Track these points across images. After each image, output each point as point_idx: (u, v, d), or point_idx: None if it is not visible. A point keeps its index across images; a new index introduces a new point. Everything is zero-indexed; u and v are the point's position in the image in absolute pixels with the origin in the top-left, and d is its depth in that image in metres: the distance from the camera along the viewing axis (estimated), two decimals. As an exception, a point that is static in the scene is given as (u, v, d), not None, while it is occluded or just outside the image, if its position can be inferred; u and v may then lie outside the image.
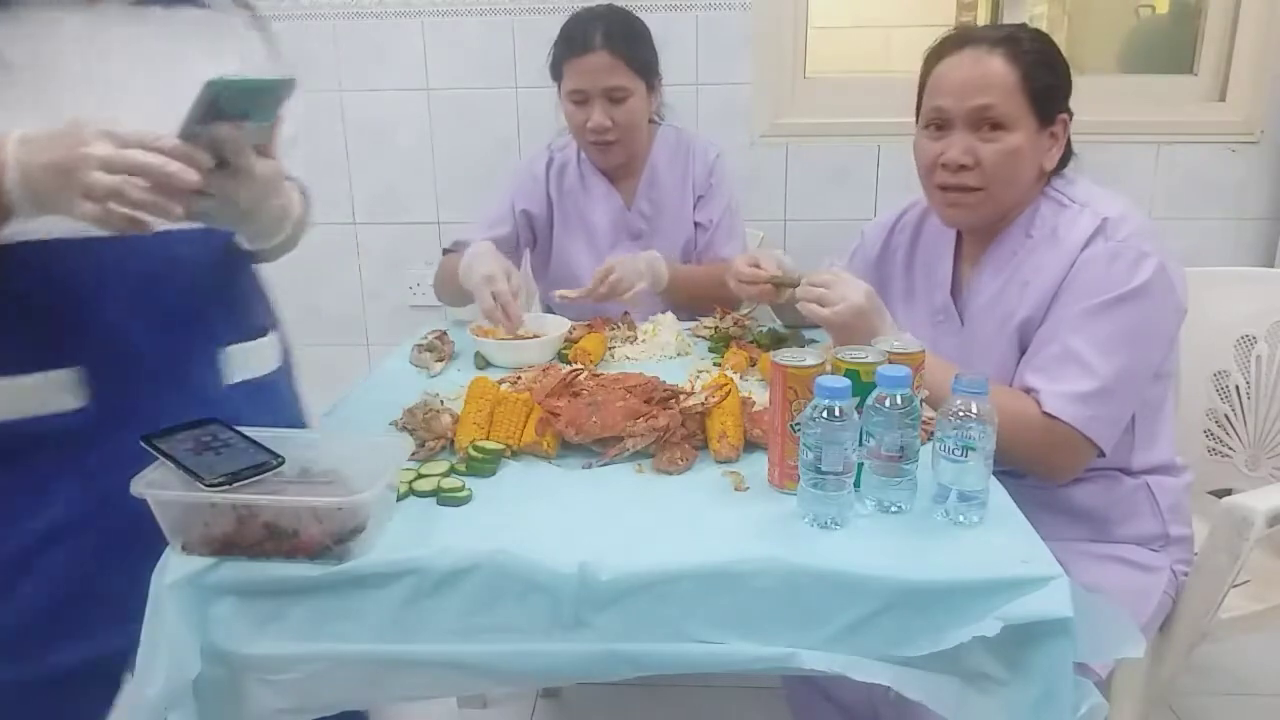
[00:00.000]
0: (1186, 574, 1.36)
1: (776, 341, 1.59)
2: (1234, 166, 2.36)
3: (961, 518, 0.97)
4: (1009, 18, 2.35)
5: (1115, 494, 1.35)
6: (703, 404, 1.16)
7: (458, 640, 0.90)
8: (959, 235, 1.45)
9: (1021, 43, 1.29)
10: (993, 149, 1.28)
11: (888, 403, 0.95)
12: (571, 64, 1.74)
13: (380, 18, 2.39)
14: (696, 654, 0.88)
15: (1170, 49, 2.46)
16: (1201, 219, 2.39)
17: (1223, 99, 2.35)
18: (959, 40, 1.32)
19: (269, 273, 1.20)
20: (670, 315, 1.68)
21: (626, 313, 1.72)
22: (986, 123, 1.28)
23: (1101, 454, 1.25)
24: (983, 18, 2.55)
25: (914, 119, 1.40)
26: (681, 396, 1.19)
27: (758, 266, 1.50)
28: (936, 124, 1.33)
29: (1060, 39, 2.62)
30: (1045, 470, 1.27)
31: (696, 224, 1.92)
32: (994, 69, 1.27)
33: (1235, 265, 2.34)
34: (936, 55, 1.35)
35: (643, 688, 1.91)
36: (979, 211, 1.33)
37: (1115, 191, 1.33)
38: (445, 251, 1.86)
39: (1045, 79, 1.29)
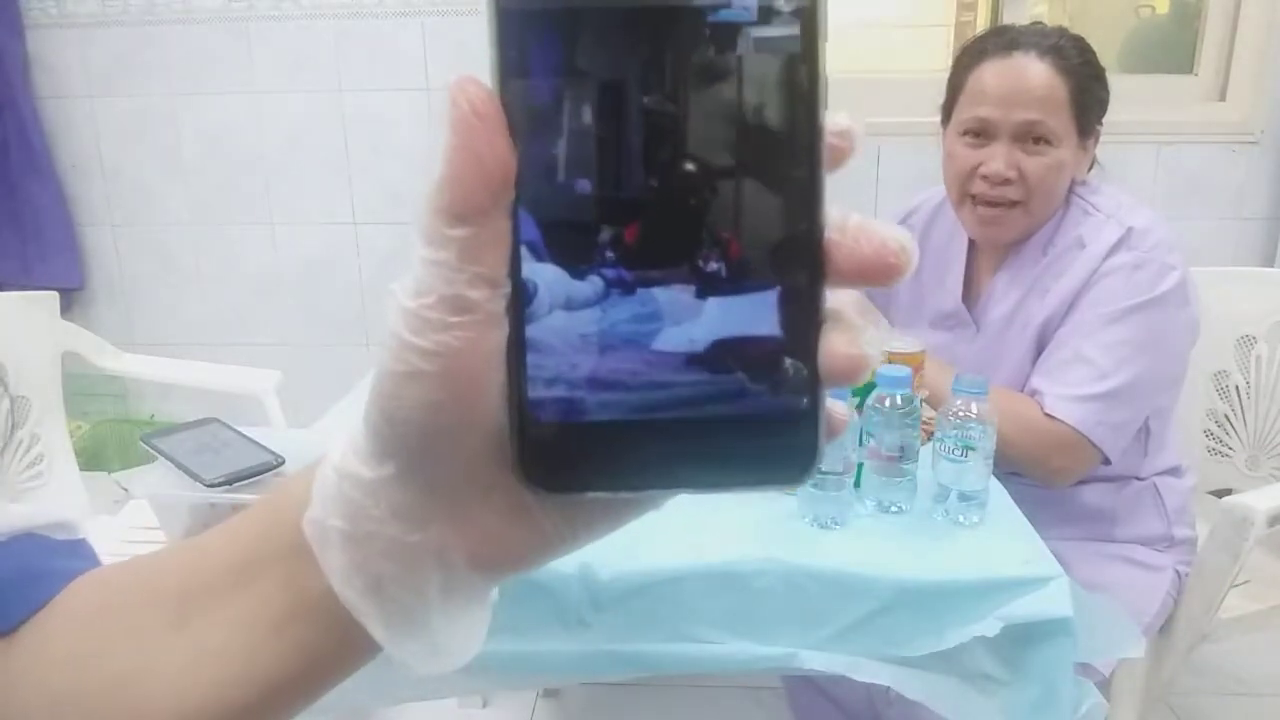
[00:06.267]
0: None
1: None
2: (1234, 166, 2.35)
3: (961, 518, 0.97)
4: (1009, 18, 2.35)
5: (1123, 495, 1.35)
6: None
7: (458, 640, 0.90)
8: (973, 242, 1.40)
9: (1068, 54, 1.23)
10: (1037, 163, 1.23)
11: (888, 403, 0.95)
12: None
13: (380, 18, 2.39)
14: (697, 654, 0.88)
15: (1170, 49, 2.46)
16: (1201, 219, 2.39)
17: (1223, 99, 2.34)
18: (1004, 43, 1.25)
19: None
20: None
21: None
22: (1032, 136, 1.23)
23: (1106, 461, 1.23)
24: (982, 18, 2.55)
25: (933, 119, 1.36)
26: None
27: None
28: (975, 132, 1.27)
29: (1060, 39, 2.62)
30: (1044, 473, 1.25)
31: None
32: (1045, 82, 1.22)
33: (1235, 265, 2.34)
34: (977, 56, 1.27)
35: (643, 688, 1.91)
36: (1015, 228, 1.29)
37: (1139, 200, 1.30)
38: None
39: (1093, 93, 1.25)
